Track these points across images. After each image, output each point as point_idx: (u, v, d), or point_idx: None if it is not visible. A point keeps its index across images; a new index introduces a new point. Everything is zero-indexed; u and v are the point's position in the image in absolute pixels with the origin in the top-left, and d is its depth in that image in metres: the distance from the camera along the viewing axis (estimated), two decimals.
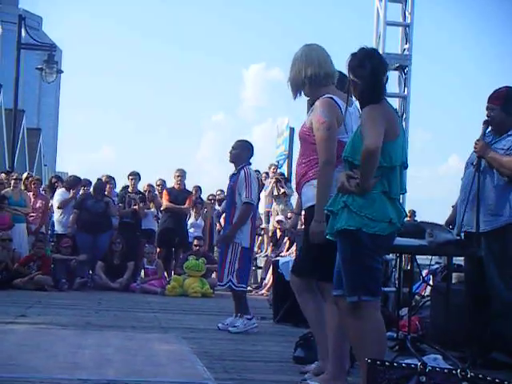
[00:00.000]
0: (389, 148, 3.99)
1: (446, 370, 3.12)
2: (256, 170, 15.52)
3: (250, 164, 7.55)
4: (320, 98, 4.65)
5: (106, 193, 12.77)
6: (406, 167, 4.24)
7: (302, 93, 4.87)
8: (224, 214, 13.62)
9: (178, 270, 12.29)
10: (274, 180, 14.25)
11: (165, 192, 12.84)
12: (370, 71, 4.06)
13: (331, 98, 4.63)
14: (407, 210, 14.72)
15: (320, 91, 4.71)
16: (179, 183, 12.59)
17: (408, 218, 14.33)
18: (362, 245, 3.97)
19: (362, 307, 3.98)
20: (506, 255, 5.44)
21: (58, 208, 12.58)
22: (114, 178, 13.58)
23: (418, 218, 13.39)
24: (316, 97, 4.71)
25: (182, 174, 12.60)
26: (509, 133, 5.56)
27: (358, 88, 4.13)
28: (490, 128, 5.65)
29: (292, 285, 4.92)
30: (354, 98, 4.34)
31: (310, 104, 4.86)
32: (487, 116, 5.61)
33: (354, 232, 3.95)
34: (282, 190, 13.86)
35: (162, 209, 12.81)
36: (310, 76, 4.71)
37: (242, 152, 7.46)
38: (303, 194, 4.75)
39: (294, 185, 5.08)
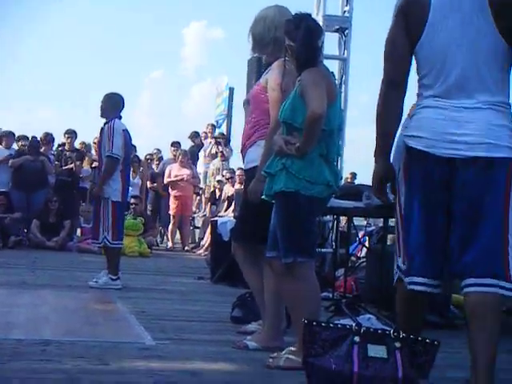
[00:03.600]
0: (328, 111, 4.00)
1: (379, 331, 3.17)
2: (195, 131, 15.59)
3: (120, 118, 7.46)
4: (279, 60, 4.56)
5: (42, 150, 12.57)
6: (341, 130, 4.26)
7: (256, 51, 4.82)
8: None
9: None
10: (213, 141, 14.37)
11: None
12: (305, 33, 4.06)
13: (289, 61, 4.55)
14: (348, 172, 14.92)
15: (281, 54, 4.63)
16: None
17: (349, 180, 14.55)
18: (300, 207, 3.99)
19: (297, 268, 4.02)
20: None
21: None
22: (51, 135, 13.36)
23: (359, 181, 13.53)
24: (276, 59, 4.64)
25: None
26: None
27: (294, 51, 4.12)
28: None
29: (234, 254, 4.81)
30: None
31: (266, 66, 4.79)
32: None
33: (291, 194, 3.97)
34: (221, 150, 14.01)
35: (93, 166, 12.64)
36: (277, 38, 4.61)
37: (108, 105, 7.42)
38: (248, 154, 4.71)
39: (239, 145, 4.99)
